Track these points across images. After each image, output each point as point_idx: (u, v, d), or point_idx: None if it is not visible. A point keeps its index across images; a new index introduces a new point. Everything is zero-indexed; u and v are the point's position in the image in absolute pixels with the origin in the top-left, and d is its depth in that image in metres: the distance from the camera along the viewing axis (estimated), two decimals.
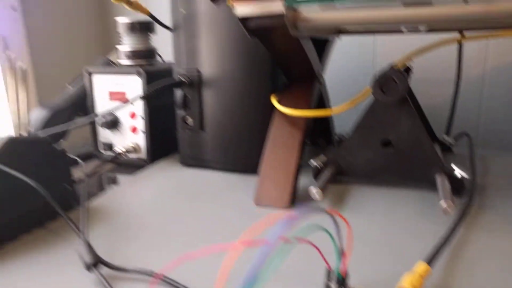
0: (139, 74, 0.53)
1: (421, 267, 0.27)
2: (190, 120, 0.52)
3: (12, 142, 0.36)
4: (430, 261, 0.28)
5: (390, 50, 0.66)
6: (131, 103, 0.52)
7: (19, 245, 0.35)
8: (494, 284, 0.28)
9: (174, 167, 0.54)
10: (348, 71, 0.69)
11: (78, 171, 0.48)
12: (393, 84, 0.39)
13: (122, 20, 0.56)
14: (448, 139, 0.54)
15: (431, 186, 0.41)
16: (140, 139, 0.55)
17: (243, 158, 0.51)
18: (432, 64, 0.64)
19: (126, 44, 0.57)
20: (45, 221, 0.39)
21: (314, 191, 0.39)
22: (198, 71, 0.50)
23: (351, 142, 0.45)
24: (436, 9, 0.33)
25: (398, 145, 0.43)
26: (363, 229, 0.36)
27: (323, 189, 0.40)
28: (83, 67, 0.57)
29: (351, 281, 0.26)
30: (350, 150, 0.45)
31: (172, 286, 0.27)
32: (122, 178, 0.53)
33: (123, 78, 0.54)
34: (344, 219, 0.23)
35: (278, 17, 0.35)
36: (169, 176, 0.51)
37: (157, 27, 0.58)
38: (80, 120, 0.49)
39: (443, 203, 0.34)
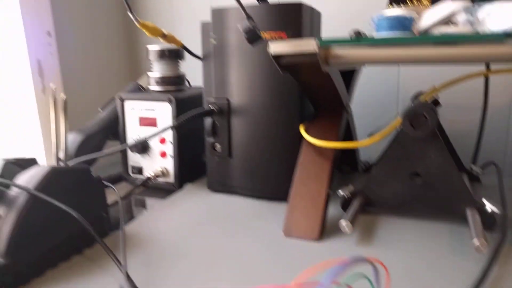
0: (169, 101, 0.55)
1: None
2: (218, 147, 0.54)
3: (54, 172, 0.38)
4: None
5: (414, 76, 0.67)
6: (163, 132, 0.54)
7: (59, 273, 0.36)
8: None
9: (202, 192, 0.55)
10: (372, 96, 0.70)
11: (110, 195, 0.49)
12: (423, 120, 0.40)
13: (153, 48, 0.59)
14: (475, 169, 0.54)
15: (460, 219, 0.41)
16: (169, 164, 0.57)
17: (269, 186, 0.52)
18: (457, 90, 0.64)
19: (157, 71, 0.59)
20: (83, 248, 0.40)
21: (344, 224, 0.40)
22: (228, 100, 0.52)
23: (378, 173, 0.45)
24: (466, 48, 0.34)
25: (426, 177, 0.43)
26: (395, 266, 0.36)
27: (352, 222, 0.40)
28: (115, 92, 0.59)
29: None
30: (377, 181, 0.45)
31: None
32: (151, 201, 0.54)
33: (154, 105, 0.56)
34: (384, 267, 0.23)
35: (311, 55, 0.37)
36: (198, 202, 0.52)
37: (186, 53, 0.60)
38: (113, 148, 0.51)
39: (476, 241, 0.35)
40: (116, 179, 0.61)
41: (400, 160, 0.44)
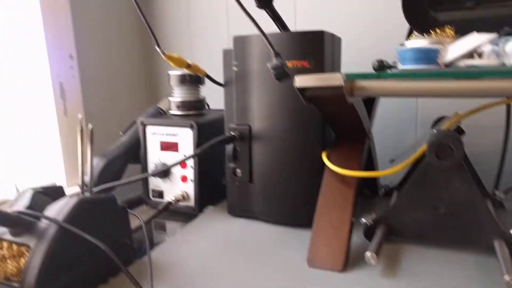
0: (191, 127, 0.55)
1: None
2: (239, 172, 0.54)
3: (81, 203, 0.38)
4: None
5: (433, 100, 0.66)
6: (185, 160, 0.55)
7: None
8: None
9: (223, 217, 0.56)
10: (391, 120, 0.70)
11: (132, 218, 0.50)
12: (449, 151, 0.40)
13: (174, 73, 0.59)
14: (499, 194, 0.53)
15: (486, 249, 0.40)
16: (189, 188, 0.57)
17: (290, 212, 0.52)
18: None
19: (178, 96, 0.60)
20: (108, 277, 0.40)
21: (369, 255, 0.39)
22: (249, 126, 0.52)
23: (401, 202, 0.45)
24: (488, 82, 0.33)
25: (450, 207, 0.42)
26: None
27: (377, 252, 0.40)
28: (134, 114, 0.60)
29: None
30: (400, 209, 0.45)
31: None
32: (171, 225, 0.54)
33: (175, 130, 0.57)
34: None
35: (337, 88, 0.37)
36: (219, 228, 0.52)
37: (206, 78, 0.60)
38: (137, 176, 0.51)
39: (506, 277, 0.34)
40: (136, 203, 0.62)
41: (424, 189, 0.44)
